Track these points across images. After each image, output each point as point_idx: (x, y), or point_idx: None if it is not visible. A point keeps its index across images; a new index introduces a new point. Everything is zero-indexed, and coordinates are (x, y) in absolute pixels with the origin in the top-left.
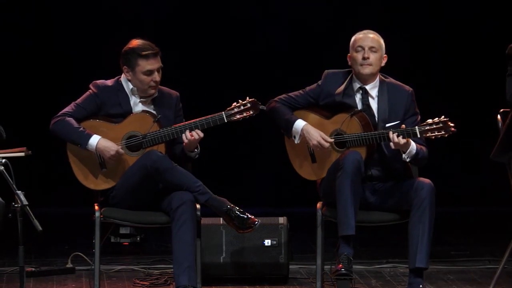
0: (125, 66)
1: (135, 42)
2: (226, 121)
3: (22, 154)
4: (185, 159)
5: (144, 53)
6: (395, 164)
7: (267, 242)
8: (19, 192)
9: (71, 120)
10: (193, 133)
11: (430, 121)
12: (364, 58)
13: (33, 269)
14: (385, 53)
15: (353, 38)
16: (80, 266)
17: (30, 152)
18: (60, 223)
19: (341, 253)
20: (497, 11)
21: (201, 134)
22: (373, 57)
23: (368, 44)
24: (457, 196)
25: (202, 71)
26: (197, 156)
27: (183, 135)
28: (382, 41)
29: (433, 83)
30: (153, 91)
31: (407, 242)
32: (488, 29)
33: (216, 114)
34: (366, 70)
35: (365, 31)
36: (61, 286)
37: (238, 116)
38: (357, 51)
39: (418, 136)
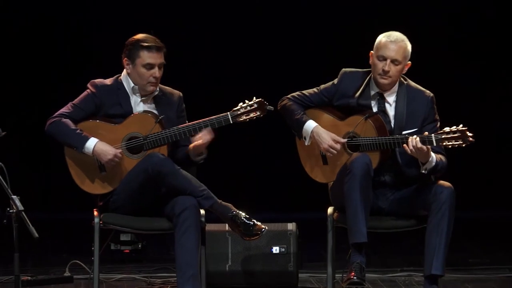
0: (126, 58)
1: (140, 35)
2: (231, 122)
3: None
4: (188, 164)
5: (146, 44)
6: (410, 171)
7: (276, 250)
8: (14, 197)
9: (68, 121)
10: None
11: (447, 129)
12: (384, 71)
13: (29, 278)
14: (410, 59)
15: (378, 39)
16: (79, 275)
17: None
18: (58, 229)
19: (353, 261)
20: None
21: (212, 134)
22: (394, 70)
23: (392, 56)
24: (476, 200)
25: (206, 70)
26: (202, 160)
27: (197, 134)
28: (408, 49)
29: (453, 82)
30: (152, 87)
31: (423, 249)
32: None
33: (221, 114)
34: (385, 81)
35: (392, 37)
36: None
37: (244, 117)
38: (378, 59)
39: (434, 144)
